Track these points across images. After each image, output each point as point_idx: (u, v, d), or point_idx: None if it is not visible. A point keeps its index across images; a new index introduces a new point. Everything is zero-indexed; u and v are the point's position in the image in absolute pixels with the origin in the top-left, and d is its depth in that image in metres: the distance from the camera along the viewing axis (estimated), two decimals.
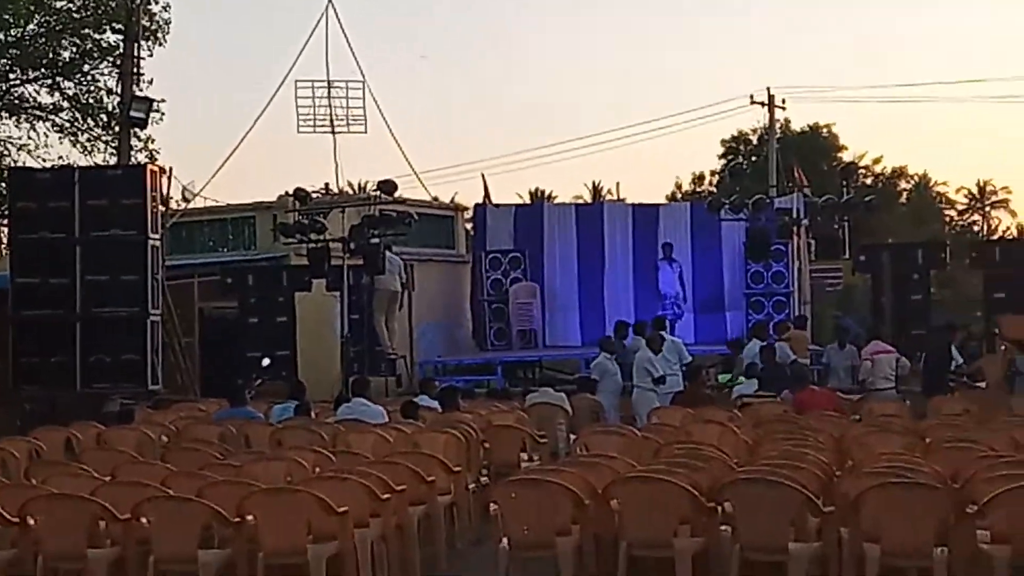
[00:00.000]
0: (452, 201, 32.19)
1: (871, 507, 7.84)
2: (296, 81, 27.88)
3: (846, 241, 28.82)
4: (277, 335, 22.16)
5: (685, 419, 13.81)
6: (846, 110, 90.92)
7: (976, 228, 55.17)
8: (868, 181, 50.27)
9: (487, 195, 29.45)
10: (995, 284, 23.33)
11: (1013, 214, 57.93)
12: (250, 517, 8.45)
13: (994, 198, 59.18)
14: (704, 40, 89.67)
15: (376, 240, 21.69)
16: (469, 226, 29.94)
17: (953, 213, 57.04)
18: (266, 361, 21.34)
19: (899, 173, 54.84)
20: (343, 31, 27.91)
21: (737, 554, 7.98)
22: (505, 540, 8.44)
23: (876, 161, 53.43)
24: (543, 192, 61.58)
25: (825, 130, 50.93)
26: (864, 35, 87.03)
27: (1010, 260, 24.22)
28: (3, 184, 24.17)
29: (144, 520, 8.44)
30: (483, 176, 30.29)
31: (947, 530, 7.73)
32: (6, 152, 30.00)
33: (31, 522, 8.61)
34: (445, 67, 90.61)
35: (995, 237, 48.57)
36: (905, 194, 54.10)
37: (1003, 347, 18.21)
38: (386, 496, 9.27)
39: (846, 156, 50.46)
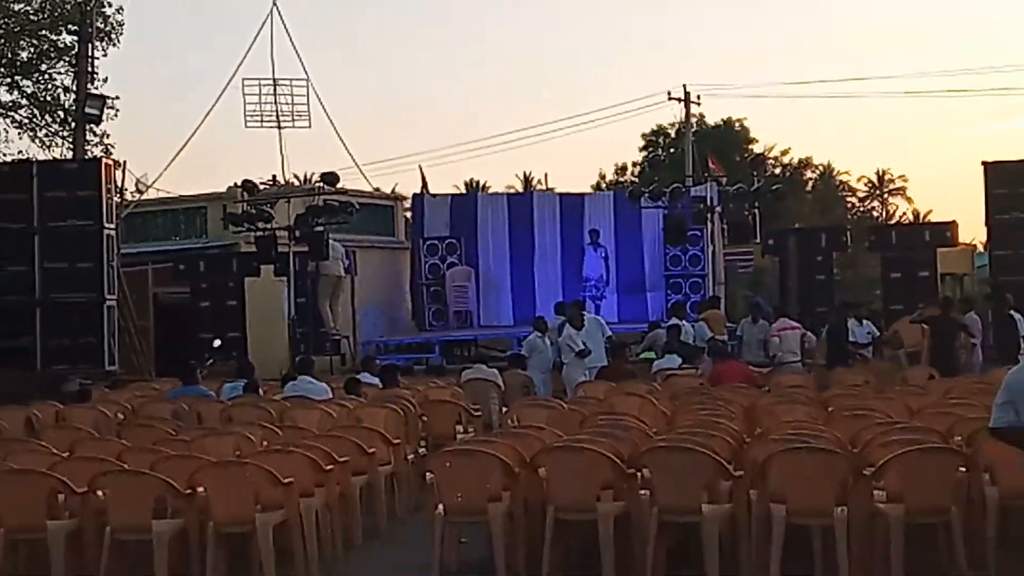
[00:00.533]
0: (392, 191, 32.10)
1: (777, 471, 7.94)
2: (243, 79, 27.80)
3: (756, 226, 29.10)
4: (227, 318, 22.09)
5: (608, 392, 13.88)
6: (757, 105, 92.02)
7: (875, 214, 55.77)
8: (777, 171, 50.64)
9: (425, 186, 29.50)
10: (891, 265, 23.74)
11: (909, 201, 58.80)
12: (201, 489, 8.41)
13: (892, 186, 59.96)
14: (625, 38, 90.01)
15: (320, 228, 21.65)
16: (408, 215, 29.83)
17: (855, 200, 57.67)
18: (217, 342, 21.25)
19: (805, 164, 55.42)
20: (287, 31, 27.90)
21: (655, 516, 8.04)
22: (441, 507, 8.43)
23: (784, 153, 53.98)
24: (477, 182, 60.99)
25: (737, 124, 51.32)
26: (775, 34, 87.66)
27: (905, 243, 24.63)
28: None
29: (100, 493, 8.38)
30: (421, 168, 30.38)
31: (846, 491, 7.85)
32: None
33: None
34: (385, 63, 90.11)
35: (892, 222, 49.11)
36: (811, 183, 54.64)
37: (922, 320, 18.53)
38: (329, 467, 9.28)
39: (756, 148, 51.10)
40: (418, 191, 29.20)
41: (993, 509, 8.12)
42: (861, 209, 56.71)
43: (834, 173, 57.02)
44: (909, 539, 7.68)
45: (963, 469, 8.04)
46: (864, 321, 20.02)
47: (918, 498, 7.73)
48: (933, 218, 40.60)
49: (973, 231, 24.78)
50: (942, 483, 7.79)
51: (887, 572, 7.63)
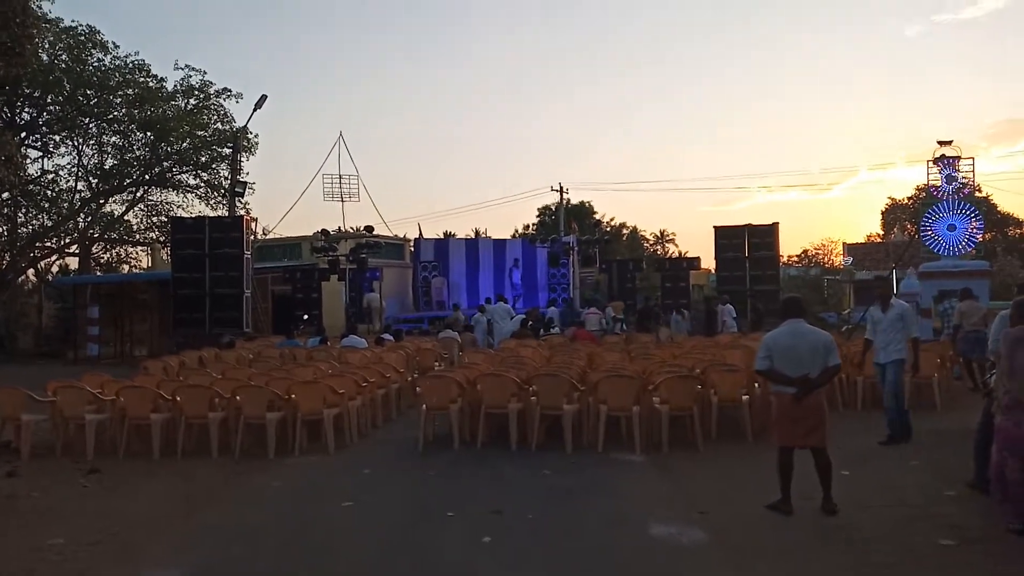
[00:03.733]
0: (404, 236, 31.55)
1: (603, 387, 8.01)
2: (323, 174, 27.59)
3: (597, 258, 29.36)
4: (311, 304, 21.88)
5: (516, 345, 13.87)
6: (598, 194, 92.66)
7: (659, 252, 55.83)
8: (608, 230, 50.84)
9: (420, 233, 29.21)
10: (666, 279, 24.03)
11: (676, 245, 58.63)
12: (294, 396, 8.29)
13: (667, 238, 60.10)
14: (530, 161, 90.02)
15: (364, 256, 21.43)
16: (411, 249, 29.42)
17: (648, 245, 57.62)
18: (305, 317, 21.02)
19: (622, 225, 55.40)
20: (346, 148, 27.83)
21: (538, 410, 8.08)
22: (424, 406, 8.39)
23: (612, 220, 54.17)
24: (449, 231, 60.75)
25: (587, 203, 51.38)
26: (607, 155, 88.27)
27: (673, 268, 25.06)
28: (169, 225, 23.04)
29: (238, 398, 8.22)
30: (419, 224, 30.52)
31: (639, 397, 7.94)
32: (170, 209, 28.95)
33: (179, 399, 8.32)
34: (399, 167, 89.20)
35: (667, 256, 49.30)
36: (625, 236, 54.68)
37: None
38: (365, 384, 9.20)
39: (596, 217, 51.31)
40: (417, 236, 28.93)
41: (715, 409, 8.25)
42: (652, 250, 56.76)
43: (638, 230, 57.42)
44: (672, 424, 7.81)
45: (699, 386, 8.17)
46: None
47: (676, 401, 7.83)
48: (688, 255, 40.88)
49: (709, 262, 25.19)
50: (688, 394, 7.89)
51: (660, 442, 7.71)
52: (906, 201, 47.05)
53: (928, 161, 15.81)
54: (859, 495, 5.78)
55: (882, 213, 51.31)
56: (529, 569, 4.57)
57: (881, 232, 50.21)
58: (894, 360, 7.66)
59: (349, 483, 6.84)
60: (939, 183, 15.68)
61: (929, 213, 15.88)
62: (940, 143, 15.83)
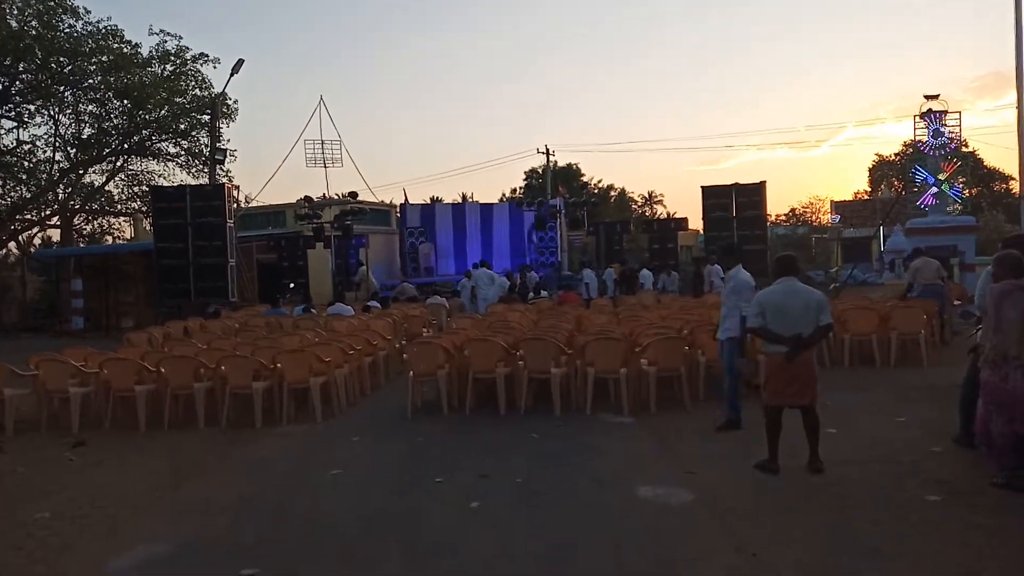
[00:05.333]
0: (390, 202, 31.27)
1: (591, 350, 7.98)
2: (305, 140, 27.15)
3: (584, 220, 29.24)
4: (297, 272, 21.77)
5: (503, 309, 13.85)
6: (585, 155, 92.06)
7: (647, 214, 55.56)
8: (595, 191, 50.52)
9: (406, 198, 28.96)
10: (653, 241, 23.98)
11: (664, 207, 58.46)
12: (279, 365, 8.22)
13: (655, 199, 59.79)
14: (519, 122, 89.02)
15: (348, 222, 21.22)
16: (397, 214, 29.11)
17: (636, 207, 57.35)
18: (291, 285, 20.89)
19: (610, 187, 55.04)
20: (328, 113, 27.42)
21: (526, 374, 8.05)
22: (411, 372, 8.34)
23: (599, 181, 53.83)
24: (436, 196, 60.20)
25: (575, 166, 50.99)
26: (594, 116, 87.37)
27: (661, 229, 24.96)
28: (150, 195, 22.67)
29: (223, 368, 8.14)
30: (404, 189, 30.31)
31: (627, 360, 7.92)
32: (151, 178, 28.39)
33: (163, 370, 8.24)
34: (384, 130, 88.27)
35: (655, 218, 49.07)
36: (613, 198, 54.37)
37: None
38: (352, 352, 9.13)
39: (584, 179, 51.02)
40: (403, 201, 28.65)
41: (702, 369, 8.25)
42: (640, 211, 56.48)
43: (626, 192, 57.13)
44: (659, 385, 7.81)
45: (687, 347, 8.16)
46: (644, 270, 20.43)
47: (664, 363, 7.82)
48: (676, 216, 40.80)
49: (697, 223, 25.13)
50: (676, 355, 7.88)
51: (648, 403, 7.72)
52: (893, 157, 46.99)
53: (915, 116, 15.74)
54: (846, 453, 5.81)
55: (869, 170, 51.30)
56: (518, 533, 4.57)
57: (868, 189, 50.24)
58: (728, 339, 6.67)
59: (337, 451, 6.80)
60: (926, 138, 15.62)
61: (917, 169, 15.84)
62: (927, 97, 15.77)
